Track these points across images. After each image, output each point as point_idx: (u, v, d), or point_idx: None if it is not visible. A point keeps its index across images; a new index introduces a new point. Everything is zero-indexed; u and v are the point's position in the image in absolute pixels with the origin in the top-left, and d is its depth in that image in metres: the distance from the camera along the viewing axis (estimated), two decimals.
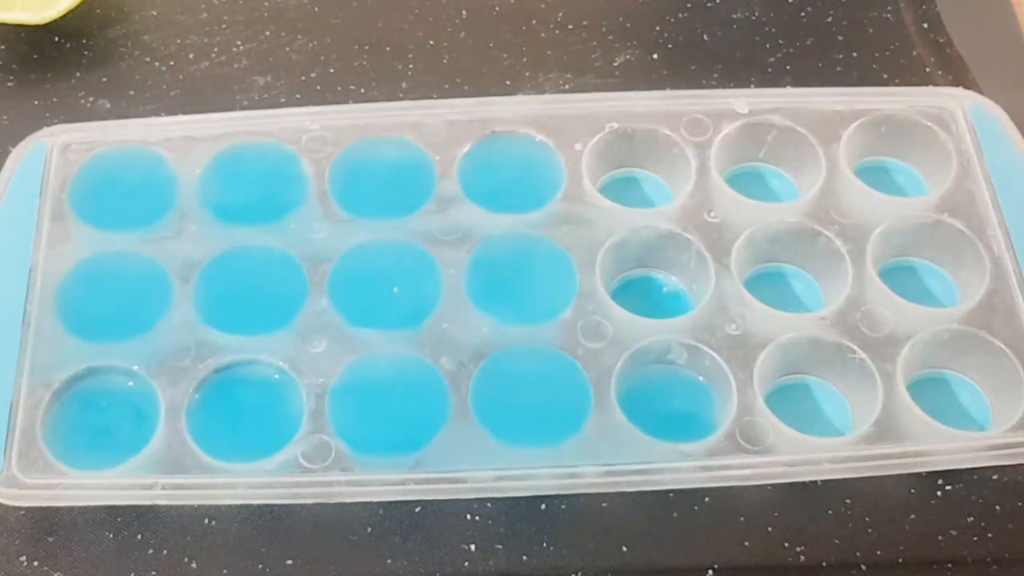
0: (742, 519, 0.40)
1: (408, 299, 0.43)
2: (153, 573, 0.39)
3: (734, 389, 0.41)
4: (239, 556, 0.39)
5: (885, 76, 0.51)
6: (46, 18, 0.51)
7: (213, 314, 0.43)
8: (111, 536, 0.39)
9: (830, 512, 0.40)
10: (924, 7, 0.54)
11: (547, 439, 0.40)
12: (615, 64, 0.51)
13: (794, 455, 0.40)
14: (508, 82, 0.50)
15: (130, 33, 0.53)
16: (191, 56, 0.52)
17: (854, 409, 0.42)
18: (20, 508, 0.40)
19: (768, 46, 0.52)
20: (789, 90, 0.49)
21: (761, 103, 0.47)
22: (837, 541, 0.39)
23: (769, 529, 0.39)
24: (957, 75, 0.51)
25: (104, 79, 0.51)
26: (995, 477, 0.40)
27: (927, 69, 0.51)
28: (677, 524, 0.40)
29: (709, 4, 0.54)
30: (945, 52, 0.52)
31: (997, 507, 0.40)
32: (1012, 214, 0.45)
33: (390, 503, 0.40)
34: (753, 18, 0.53)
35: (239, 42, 0.52)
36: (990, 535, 0.39)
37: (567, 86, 0.50)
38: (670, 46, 0.52)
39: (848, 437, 0.40)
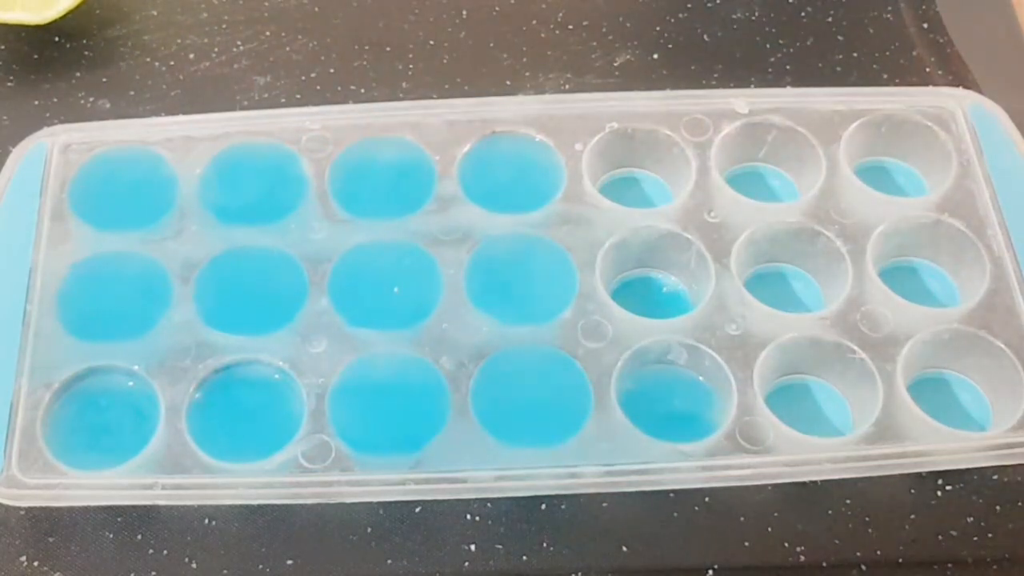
0: (742, 519, 0.40)
1: (408, 299, 0.43)
2: (153, 573, 0.39)
3: (734, 389, 0.41)
4: (239, 556, 0.39)
5: (885, 76, 0.51)
6: (46, 18, 0.51)
7: (213, 314, 0.43)
8: (111, 536, 0.39)
9: (830, 512, 0.40)
10: (924, 7, 0.54)
11: (547, 439, 0.40)
12: (615, 64, 0.51)
13: (794, 455, 0.40)
14: (508, 82, 0.50)
15: (130, 33, 0.53)
16: (191, 56, 0.52)
17: (854, 409, 0.42)
18: (20, 508, 0.40)
19: (768, 46, 0.52)
20: (789, 90, 0.49)
21: (761, 103, 0.47)
22: (837, 541, 0.39)
23: (769, 529, 0.39)
24: (957, 75, 0.51)
25: (104, 79, 0.51)
26: (995, 477, 0.40)
27: (927, 69, 0.51)
28: (677, 524, 0.40)
29: (709, 4, 0.54)
30: (945, 52, 0.52)
31: (997, 507, 0.40)
32: (1012, 214, 0.45)
33: (390, 503, 0.40)
34: (753, 18, 0.53)
35: (239, 42, 0.52)
36: (990, 535, 0.39)
37: (567, 86, 0.50)
38: (670, 46, 0.52)
39: (848, 437, 0.40)
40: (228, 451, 0.40)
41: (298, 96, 0.50)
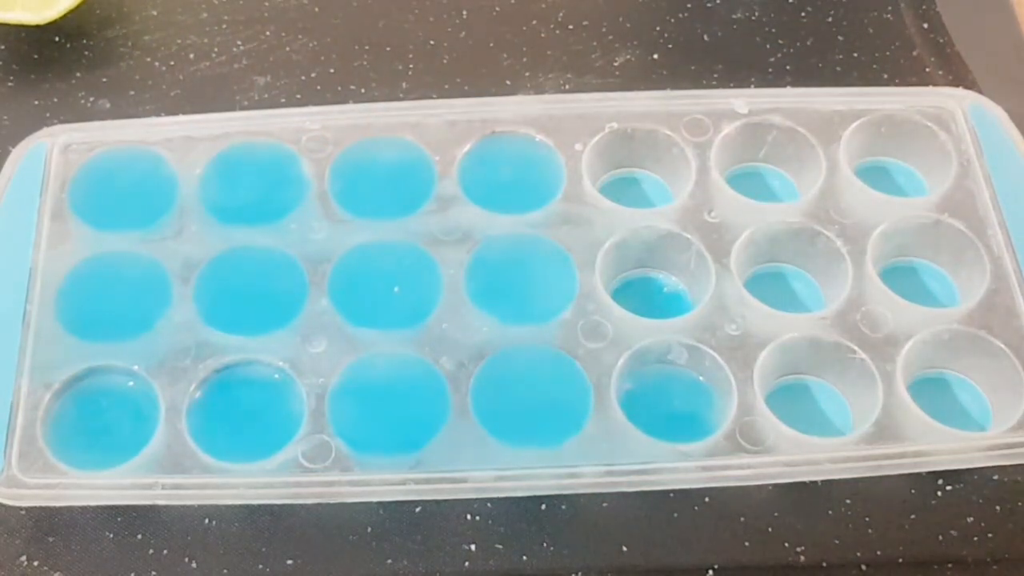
0: (742, 519, 0.40)
1: (408, 299, 0.43)
2: (153, 573, 0.39)
3: (734, 389, 0.41)
4: (239, 556, 0.39)
5: (885, 76, 0.51)
6: (46, 18, 0.51)
7: (213, 314, 0.43)
8: (111, 536, 0.39)
9: (830, 512, 0.40)
10: (924, 7, 0.54)
11: (547, 439, 0.40)
12: (615, 64, 0.51)
13: (794, 455, 0.40)
14: (508, 82, 0.50)
15: (130, 33, 0.53)
16: (191, 56, 0.52)
17: (854, 409, 0.42)
18: (20, 508, 0.40)
19: (768, 46, 0.52)
20: (789, 90, 0.49)
21: (761, 103, 0.47)
22: (837, 541, 0.39)
23: (769, 529, 0.39)
24: (957, 75, 0.51)
25: (104, 79, 0.51)
26: (995, 477, 0.40)
27: (927, 69, 0.51)
28: (677, 524, 0.40)
29: (709, 4, 0.54)
30: (945, 52, 0.52)
31: (997, 507, 0.40)
32: (1012, 214, 0.45)
33: (390, 503, 0.40)
34: (753, 18, 0.53)
35: (239, 42, 0.52)
36: (990, 535, 0.39)
37: (567, 86, 0.50)
38: (670, 46, 0.52)
39: (848, 437, 0.40)
40: (228, 451, 0.40)
41: (298, 96, 0.50)
